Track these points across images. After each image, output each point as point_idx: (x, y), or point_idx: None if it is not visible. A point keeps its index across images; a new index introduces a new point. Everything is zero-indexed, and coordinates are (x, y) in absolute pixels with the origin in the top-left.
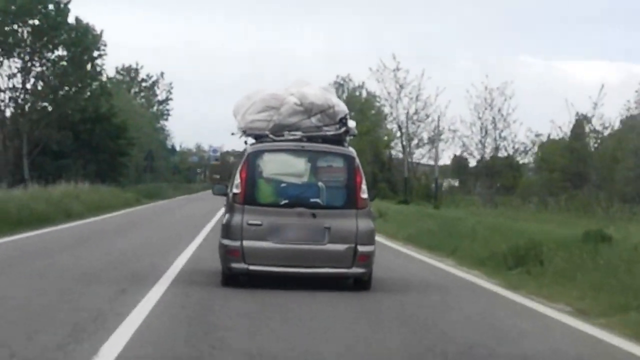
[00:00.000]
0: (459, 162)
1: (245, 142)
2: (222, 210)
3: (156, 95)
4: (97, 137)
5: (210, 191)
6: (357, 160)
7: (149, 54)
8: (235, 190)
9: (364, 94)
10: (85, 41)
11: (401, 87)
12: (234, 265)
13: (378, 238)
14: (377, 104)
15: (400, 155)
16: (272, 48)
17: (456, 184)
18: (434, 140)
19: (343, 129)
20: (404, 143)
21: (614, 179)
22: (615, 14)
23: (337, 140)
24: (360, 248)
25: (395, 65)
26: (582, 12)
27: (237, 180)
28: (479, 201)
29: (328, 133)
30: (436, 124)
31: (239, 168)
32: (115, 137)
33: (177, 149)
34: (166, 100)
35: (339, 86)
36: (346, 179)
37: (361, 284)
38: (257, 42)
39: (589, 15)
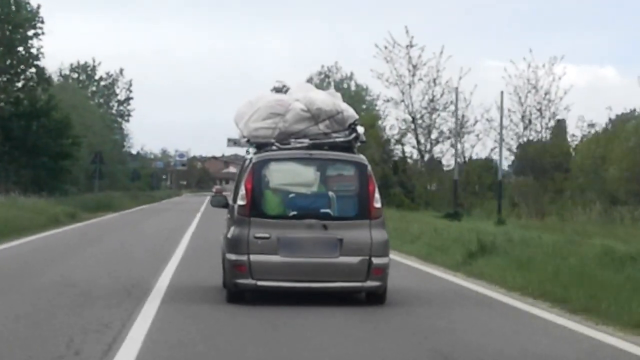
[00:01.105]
0: (489, 161)
1: (247, 152)
2: (195, 225)
3: (116, 95)
4: (33, 135)
5: (178, 199)
6: (369, 168)
7: (111, 60)
8: (240, 202)
9: (353, 86)
10: (17, 18)
11: (415, 67)
12: (241, 281)
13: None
14: (370, 98)
15: (414, 155)
16: (239, 51)
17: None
18: (458, 134)
19: (353, 135)
20: (419, 138)
21: None
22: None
23: (347, 147)
24: (375, 260)
25: (409, 41)
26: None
27: (242, 191)
28: (524, 210)
29: (337, 140)
30: (460, 113)
31: (244, 179)
32: (56, 135)
33: (138, 153)
34: (127, 100)
35: (324, 77)
36: (358, 188)
37: (375, 298)
38: (223, 45)
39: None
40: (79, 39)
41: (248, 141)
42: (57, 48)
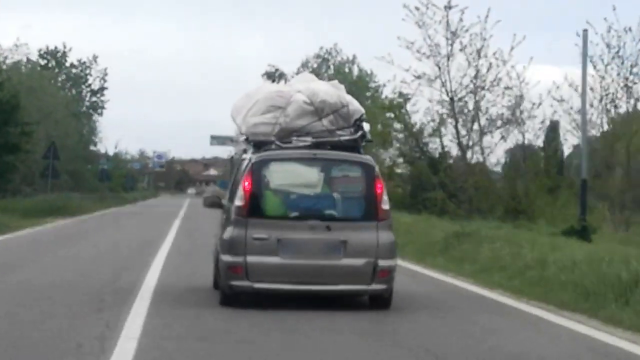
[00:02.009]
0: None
1: (244, 151)
2: (172, 241)
3: (88, 85)
4: None
5: (154, 201)
6: (377, 169)
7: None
8: (238, 203)
9: (356, 70)
10: None
11: (454, 35)
12: (236, 283)
13: None
14: (375, 83)
15: (452, 150)
16: (221, 50)
17: None
18: (515, 120)
19: (359, 134)
20: (461, 126)
21: None
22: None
23: (352, 146)
24: (381, 262)
25: (447, 1)
26: None
27: (240, 191)
28: (605, 216)
29: (342, 138)
30: (514, 93)
31: (242, 178)
32: (1, 122)
33: (115, 154)
34: (100, 90)
35: (323, 61)
36: (365, 189)
37: (380, 302)
38: (204, 44)
39: None
40: (53, 35)
41: (247, 139)
42: (30, 43)
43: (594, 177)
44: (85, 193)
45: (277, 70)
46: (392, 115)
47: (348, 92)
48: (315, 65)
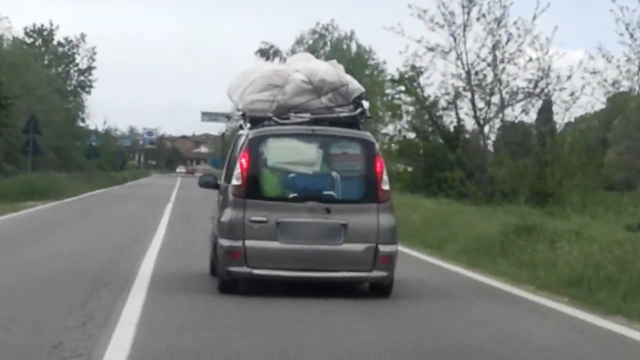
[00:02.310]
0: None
1: (241, 127)
2: (164, 232)
3: (76, 65)
4: None
5: (145, 180)
6: (377, 146)
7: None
8: (235, 182)
9: (354, 47)
10: None
11: (471, 2)
12: (235, 269)
13: None
14: (374, 61)
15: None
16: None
17: None
18: (540, 93)
19: (358, 110)
20: (479, 99)
21: None
22: None
23: (352, 123)
24: (382, 248)
25: None
26: None
27: (237, 170)
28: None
29: (341, 115)
30: (539, 65)
31: (239, 156)
32: None
33: (106, 131)
34: (88, 69)
35: (320, 37)
36: (365, 168)
37: (380, 289)
38: (192, 25)
39: None
40: (42, 17)
41: (243, 115)
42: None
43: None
44: (73, 171)
45: (271, 47)
46: (403, 88)
47: (346, 70)
48: (311, 42)
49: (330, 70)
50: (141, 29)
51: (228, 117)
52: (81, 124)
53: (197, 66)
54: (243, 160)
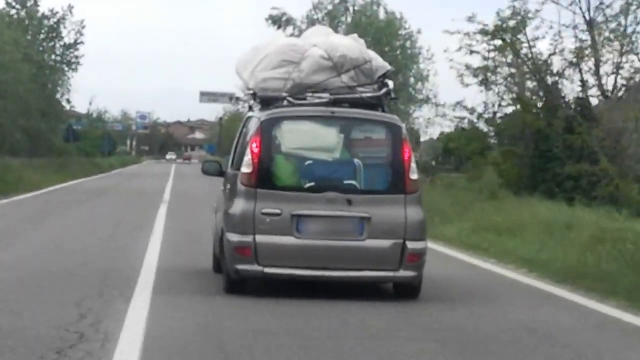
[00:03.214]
0: None
1: (250, 108)
2: (158, 252)
3: (61, 38)
4: None
5: (136, 168)
6: (404, 131)
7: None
8: (245, 170)
9: (382, 13)
10: None
11: None
12: (244, 267)
13: None
14: (406, 30)
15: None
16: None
17: None
18: None
19: (383, 90)
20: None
21: None
22: None
23: (376, 104)
24: (410, 244)
25: None
26: None
27: (248, 156)
28: None
29: (364, 95)
30: None
31: (250, 140)
32: None
33: (85, 112)
34: (75, 44)
35: (340, 2)
36: (390, 155)
37: (407, 290)
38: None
39: None
40: None
41: (254, 95)
42: None
43: None
44: (49, 157)
45: (283, 14)
46: (500, 42)
47: (373, 40)
48: (330, 7)
49: (352, 45)
50: (134, 15)
51: (231, 97)
52: (66, 106)
53: (194, 48)
54: (254, 145)
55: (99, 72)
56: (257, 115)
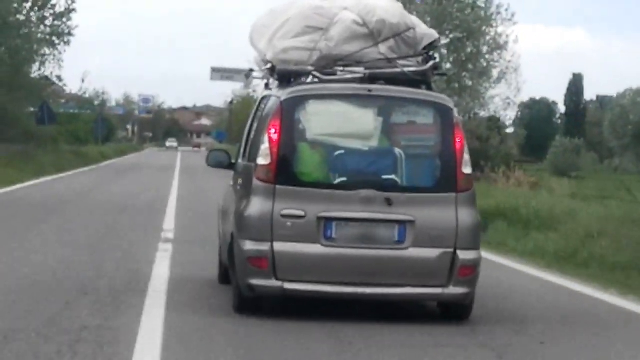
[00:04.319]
0: None
1: (267, 86)
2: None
3: (52, 7)
4: None
5: (134, 157)
6: (456, 113)
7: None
8: (261, 161)
9: None
10: None
11: None
12: (259, 282)
13: None
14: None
15: None
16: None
17: None
18: None
19: (430, 64)
20: None
21: None
22: None
23: (421, 81)
24: (462, 255)
25: None
26: None
27: (265, 144)
28: None
29: (406, 69)
30: None
31: (267, 125)
32: None
33: (76, 91)
34: (67, 12)
35: None
36: (439, 144)
37: (456, 310)
38: None
39: None
40: None
41: (272, 69)
42: None
43: None
44: (13, 143)
45: None
46: None
47: (451, 17)
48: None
49: (392, 9)
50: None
51: (247, 74)
52: (58, 83)
53: (200, 31)
54: (272, 131)
55: (103, 56)
56: (277, 94)
